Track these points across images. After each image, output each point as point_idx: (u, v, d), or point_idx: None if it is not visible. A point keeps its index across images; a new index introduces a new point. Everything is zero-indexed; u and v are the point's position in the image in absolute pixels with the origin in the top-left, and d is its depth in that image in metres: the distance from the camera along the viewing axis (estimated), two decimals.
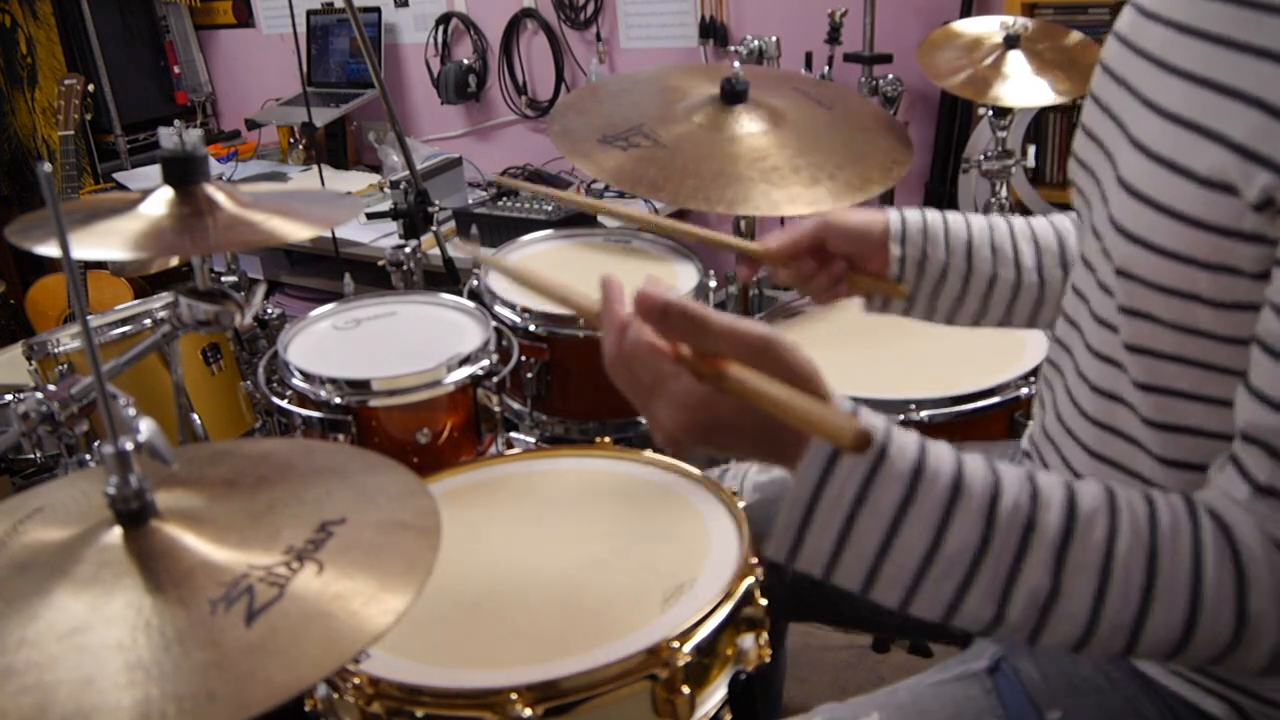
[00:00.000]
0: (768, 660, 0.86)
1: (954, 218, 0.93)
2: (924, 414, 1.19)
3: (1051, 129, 2.17)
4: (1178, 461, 0.68)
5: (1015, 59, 1.68)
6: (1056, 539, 0.60)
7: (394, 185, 1.82)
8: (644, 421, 1.51)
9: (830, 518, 0.61)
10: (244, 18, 3.62)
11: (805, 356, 0.61)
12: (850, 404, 0.62)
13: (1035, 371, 1.26)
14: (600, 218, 2.37)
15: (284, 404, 1.28)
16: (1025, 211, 2.01)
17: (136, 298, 2.40)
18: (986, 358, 1.29)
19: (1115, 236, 0.68)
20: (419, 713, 0.76)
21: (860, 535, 0.61)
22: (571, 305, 0.71)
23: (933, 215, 0.92)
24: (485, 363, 1.28)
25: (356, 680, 0.77)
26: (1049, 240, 0.93)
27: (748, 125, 1.37)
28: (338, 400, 1.23)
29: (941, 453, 0.62)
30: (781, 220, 1.87)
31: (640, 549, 0.93)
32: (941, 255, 0.91)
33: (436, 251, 1.88)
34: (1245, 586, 0.59)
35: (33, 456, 1.56)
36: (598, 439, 1.12)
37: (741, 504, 0.95)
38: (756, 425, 0.62)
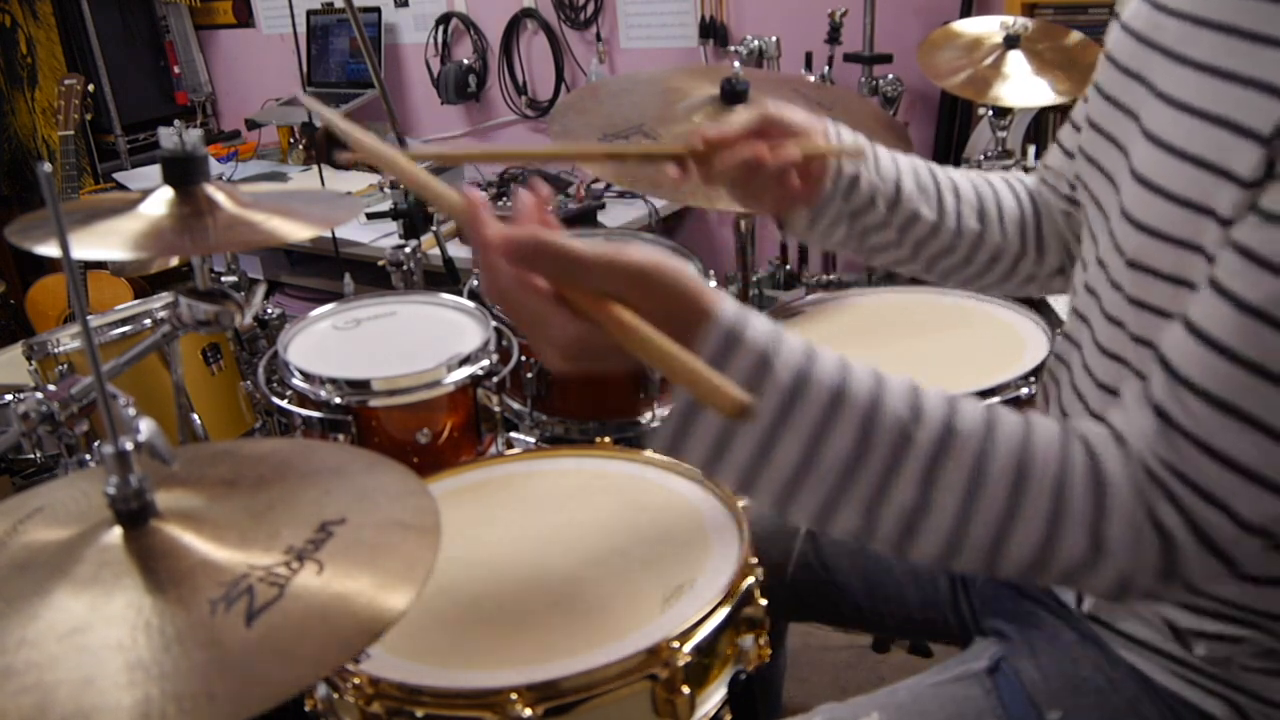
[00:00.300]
0: (768, 660, 0.86)
1: (881, 149, 0.92)
2: None
3: (1051, 129, 2.17)
4: None
5: (1015, 59, 1.68)
6: (929, 456, 0.61)
7: (394, 185, 1.82)
8: (642, 422, 1.52)
9: (708, 428, 0.62)
10: (244, 18, 3.62)
11: (685, 277, 0.60)
12: (735, 310, 0.61)
13: (1035, 371, 1.26)
14: (600, 217, 2.37)
15: (284, 404, 1.28)
16: None
17: (136, 298, 2.40)
18: (986, 358, 1.29)
19: (1127, 228, 0.69)
20: (419, 713, 0.76)
21: (738, 446, 0.62)
22: (429, 196, 0.66)
23: (863, 138, 0.92)
24: (485, 363, 1.28)
25: (356, 680, 0.77)
26: (968, 192, 0.94)
27: None
28: (338, 400, 1.23)
29: (827, 362, 0.62)
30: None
31: (640, 549, 0.93)
32: (873, 178, 0.90)
33: (436, 251, 1.88)
34: (1104, 514, 0.61)
35: (33, 456, 1.56)
36: (598, 439, 1.12)
37: (741, 504, 0.95)
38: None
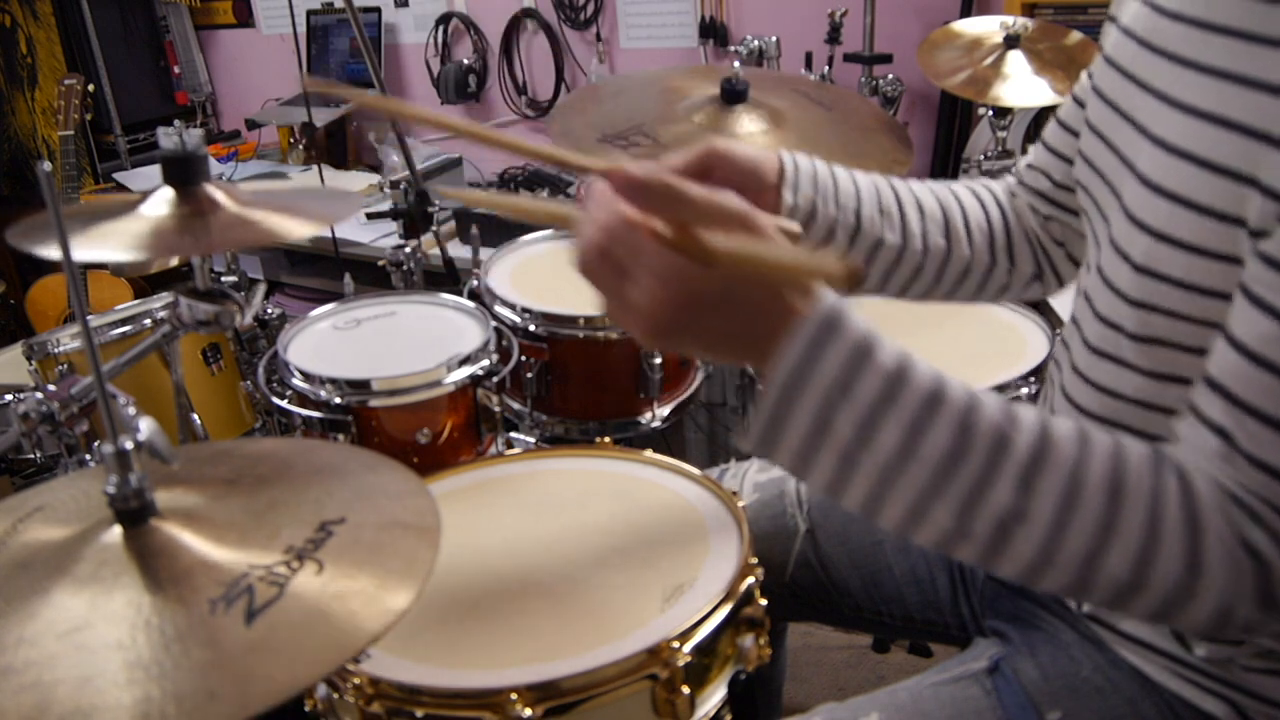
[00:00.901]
0: (768, 660, 0.86)
1: (841, 173, 0.89)
2: None
3: None
4: None
5: (1015, 59, 1.68)
6: (1026, 459, 0.60)
7: (394, 185, 1.82)
8: (642, 422, 1.52)
9: (810, 403, 0.60)
10: (244, 18, 3.62)
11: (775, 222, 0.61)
12: (835, 296, 0.61)
13: (1036, 371, 1.26)
14: None
15: (284, 404, 1.28)
16: None
17: (136, 298, 2.40)
18: (986, 358, 1.30)
19: (1135, 233, 0.68)
20: (419, 713, 0.76)
21: (838, 425, 0.60)
22: (540, 215, 0.68)
23: (821, 166, 0.88)
24: (485, 363, 1.28)
25: (356, 680, 0.77)
26: (933, 208, 0.91)
27: (748, 125, 1.37)
28: (338, 400, 1.23)
29: (923, 364, 0.62)
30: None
31: (640, 549, 0.93)
32: (831, 211, 0.87)
33: (436, 251, 1.87)
34: (1200, 532, 0.59)
35: (33, 456, 1.56)
36: (598, 439, 1.12)
37: (741, 504, 0.95)
38: (737, 301, 0.60)
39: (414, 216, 1.71)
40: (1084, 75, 0.87)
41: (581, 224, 0.62)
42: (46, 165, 0.57)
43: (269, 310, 1.78)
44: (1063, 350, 0.80)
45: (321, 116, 3.09)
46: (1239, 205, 0.61)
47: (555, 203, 0.65)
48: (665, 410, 1.54)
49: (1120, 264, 0.70)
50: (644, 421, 1.53)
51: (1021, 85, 1.64)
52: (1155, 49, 0.70)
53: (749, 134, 1.37)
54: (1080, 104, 0.86)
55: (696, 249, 0.58)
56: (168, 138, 0.90)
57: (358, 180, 3.06)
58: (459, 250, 1.89)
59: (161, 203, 0.90)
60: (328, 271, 2.97)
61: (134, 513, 0.60)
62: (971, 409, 0.60)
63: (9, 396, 1.61)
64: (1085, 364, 0.75)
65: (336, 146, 3.29)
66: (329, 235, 2.36)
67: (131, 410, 0.71)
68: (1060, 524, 0.59)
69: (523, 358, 1.44)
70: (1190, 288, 0.65)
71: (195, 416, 1.36)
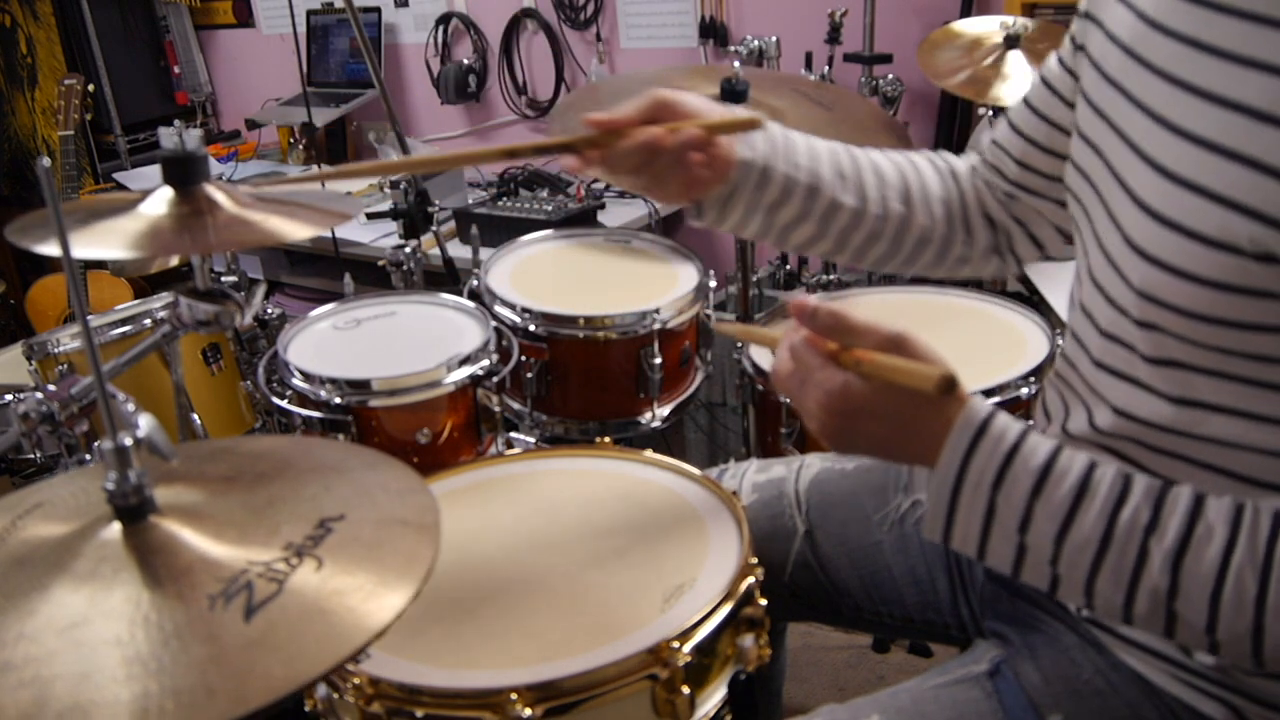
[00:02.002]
0: (768, 660, 0.86)
1: (798, 136, 0.91)
2: None
3: None
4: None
5: (1015, 59, 1.68)
6: (1174, 544, 0.62)
7: (394, 185, 1.82)
8: (642, 422, 1.51)
9: (970, 498, 0.67)
10: (244, 18, 3.62)
11: (931, 348, 0.68)
12: (985, 403, 0.69)
13: (1035, 372, 1.26)
14: (600, 217, 2.37)
15: (284, 404, 1.28)
16: None
17: (136, 298, 2.40)
18: (986, 357, 1.29)
19: (1134, 259, 0.67)
20: (419, 713, 0.76)
21: (1001, 516, 0.66)
22: (764, 340, 0.89)
23: (777, 127, 0.90)
24: (485, 363, 1.28)
25: (356, 680, 0.77)
26: (891, 174, 0.93)
27: None
28: (338, 400, 1.23)
29: (1076, 459, 0.66)
30: None
31: (640, 549, 0.93)
32: (788, 170, 0.88)
33: (436, 251, 1.87)
34: None
35: (33, 456, 1.56)
36: (598, 439, 1.12)
37: (741, 504, 0.95)
38: (893, 411, 0.68)
39: (414, 216, 1.71)
40: (1053, 58, 0.87)
41: (779, 347, 0.75)
42: (46, 161, 0.57)
43: (269, 310, 1.78)
44: (1068, 368, 0.79)
45: (321, 116, 3.09)
46: (1238, 235, 0.60)
47: (768, 329, 0.83)
48: (665, 410, 1.54)
49: (1120, 284, 0.70)
50: (644, 421, 1.53)
51: (1021, 85, 1.63)
52: (1145, 63, 0.68)
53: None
54: (1050, 87, 0.86)
55: (852, 364, 0.69)
56: (168, 138, 0.90)
57: (357, 180, 3.06)
58: (459, 250, 1.89)
59: (161, 202, 0.90)
60: (328, 271, 2.97)
61: (133, 509, 0.60)
62: (1120, 498, 0.64)
63: (9, 396, 1.61)
64: (1093, 377, 0.75)
65: (336, 146, 3.30)
66: (329, 235, 2.36)
67: (131, 408, 0.71)
68: (1212, 604, 0.62)
69: (523, 358, 1.44)
70: (1193, 316, 0.64)
71: (195, 416, 1.36)
